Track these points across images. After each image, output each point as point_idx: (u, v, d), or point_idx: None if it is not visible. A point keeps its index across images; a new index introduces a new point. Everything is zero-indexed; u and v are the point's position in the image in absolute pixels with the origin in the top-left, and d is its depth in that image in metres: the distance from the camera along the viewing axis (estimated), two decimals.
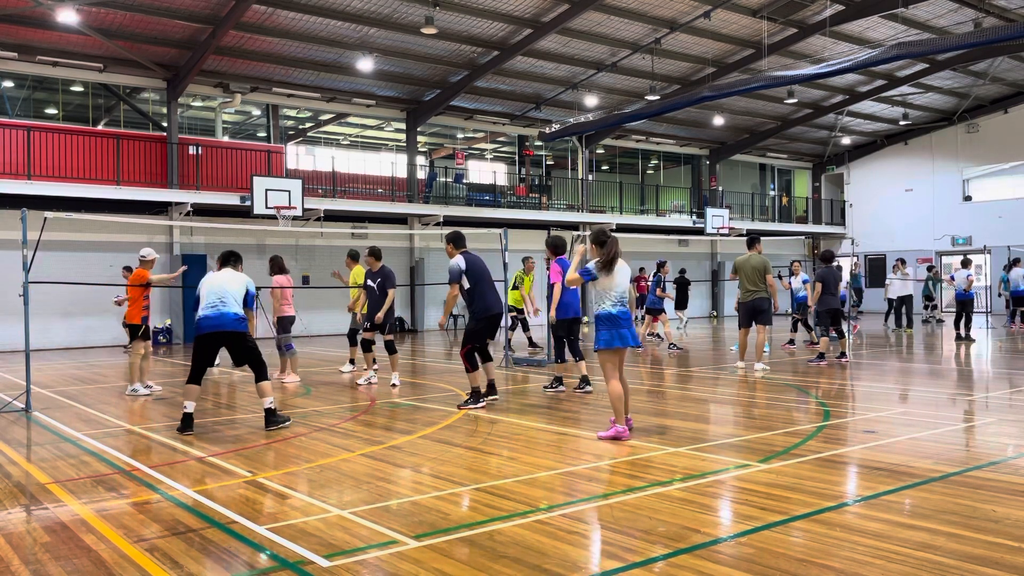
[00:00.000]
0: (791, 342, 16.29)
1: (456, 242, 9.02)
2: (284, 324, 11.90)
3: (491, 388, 8.98)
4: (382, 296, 10.63)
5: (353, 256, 12.63)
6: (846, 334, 13.18)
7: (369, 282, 10.87)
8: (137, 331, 10.47)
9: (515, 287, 15.50)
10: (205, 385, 11.10)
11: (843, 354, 12.86)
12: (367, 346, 11.03)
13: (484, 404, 8.59)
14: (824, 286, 12.73)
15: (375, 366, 12.39)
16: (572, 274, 7.27)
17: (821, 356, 12.85)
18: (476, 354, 8.78)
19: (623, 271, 7.14)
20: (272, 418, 7.67)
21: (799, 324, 16.71)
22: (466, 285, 8.68)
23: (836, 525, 4.43)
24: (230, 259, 8.23)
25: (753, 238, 12.26)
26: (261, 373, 7.78)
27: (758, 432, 7.20)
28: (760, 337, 11.90)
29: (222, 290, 7.75)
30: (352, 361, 12.78)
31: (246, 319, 7.87)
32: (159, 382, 11.38)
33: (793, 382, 10.77)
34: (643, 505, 4.89)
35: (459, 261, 8.75)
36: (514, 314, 15.52)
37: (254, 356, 7.80)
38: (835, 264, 13.35)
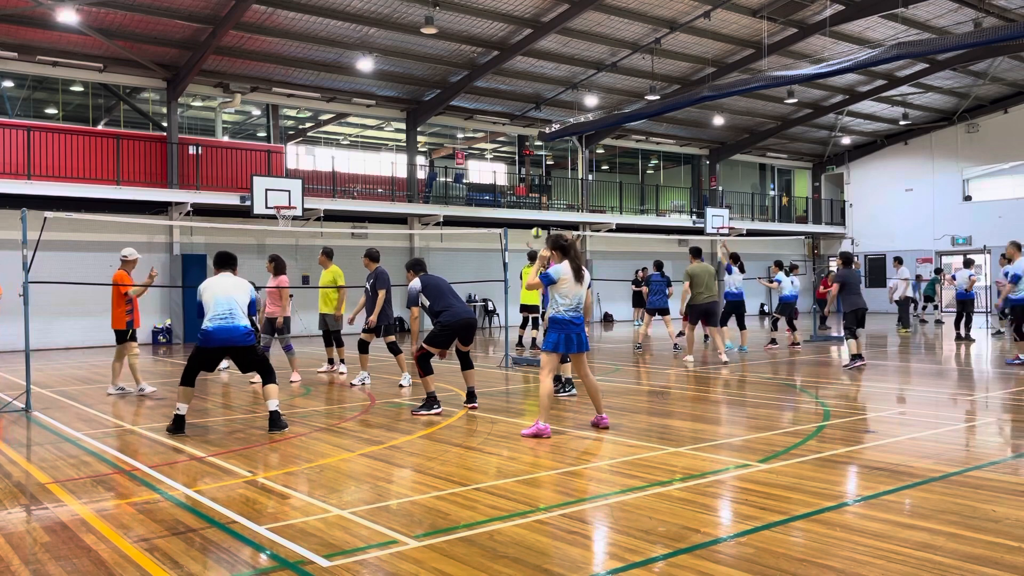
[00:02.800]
0: (773, 342, 16.28)
1: (414, 268, 8.97)
2: (287, 324, 11.73)
3: (471, 396, 8.82)
4: (374, 297, 10.59)
5: (327, 254, 12.29)
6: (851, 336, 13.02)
7: (366, 284, 10.83)
8: (124, 336, 10.27)
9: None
10: (205, 386, 11.11)
11: (859, 356, 12.60)
12: (364, 347, 10.98)
13: (439, 410, 8.41)
14: (846, 287, 12.58)
15: (342, 367, 12.29)
16: (533, 278, 7.33)
17: (858, 357, 12.32)
18: (430, 360, 8.51)
19: (585, 279, 7.31)
20: (277, 421, 7.59)
21: (777, 323, 16.77)
22: (426, 303, 8.56)
23: (836, 525, 4.43)
24: (228, 262, 8.05)
25: (698, 248, 13.98)
26: (269, 377, 7.74)
27: (758, 432, 7.20)
28: (716, 338, 13.63)
29: (231, 301, 7.59)
30: (342, 361, 12.57)
31: (253, 332, 7.80)
32: (158, 382, 11.37)
33: (793, 382, 10.77)
34: (643, 505, 4.89)
35: (415, 283, 8.66)
36: (536, 314, 15.65)
37: (262, 364, 7.78)
38: (855, 265, 13.28)
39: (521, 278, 15.52)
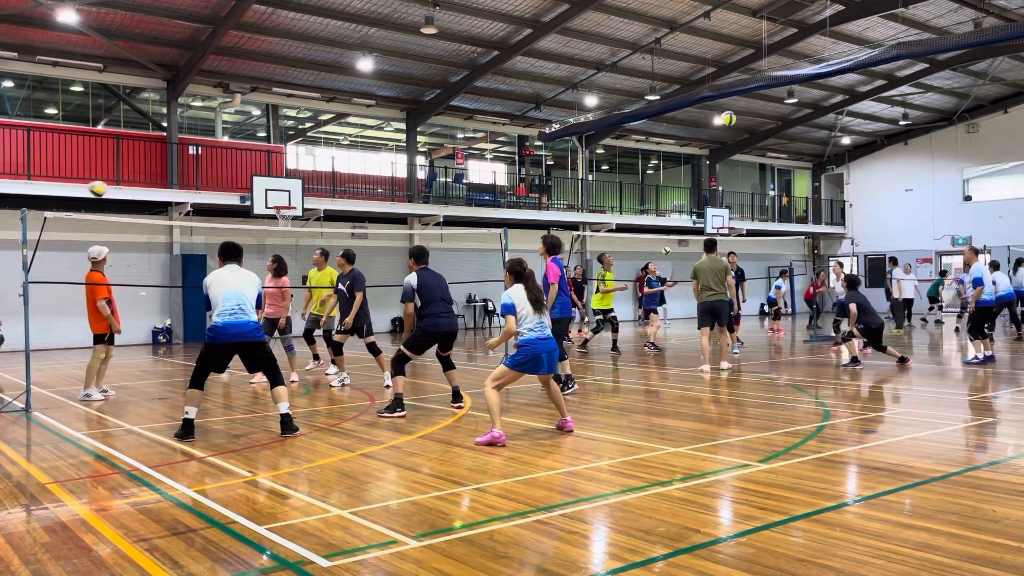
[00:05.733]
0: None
1: (418, 258, 8.86)
2: (288, 324, 11.79)
3: (456, 395, 8.85)
4: (351, 299, 10.57)
5: (325, 255, 12.36)
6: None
7: (339, 286, 10.73)
8: (102, 338, 10.02)
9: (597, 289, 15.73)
10: (206, 386, 11.07)
11: (903, 359, 12.38)
12: (338, 349, 10.92)
13: (403, 413, 8.36)
14: (861, 308, 12.30)
15: (317, 363, 12.46)
16: (509, 328, 7.12)
17: (855, 359, 12.24)
18: (404, 364, 8.56)
19: (544, 308, 7.19)
20: (289, 424, 7.39)
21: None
22: (418, 303, 8.48)
23: (836, 525, 4.43)
24: (234, 253, 7.70)
25: (712, 241, 12.61)
26: (276, 379, 7.49)
27: (758, 432, 7.20)
28: (723, 338, 12.61)
29: (240, 295, 7.36)
30: (316, 356, 12.69)
31: (262, 327, 7.64)
32: (158, 382, 11.36)
33: (793, 382, 10.77)
34: (643, 505, 4.89)
35: (411, 279, 8.56)
36: (611, 315, 15.69)
37: (270, 363, 7.52)
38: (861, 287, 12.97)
39: (603, 281, 15.61)
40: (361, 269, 11.04)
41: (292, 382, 11.35)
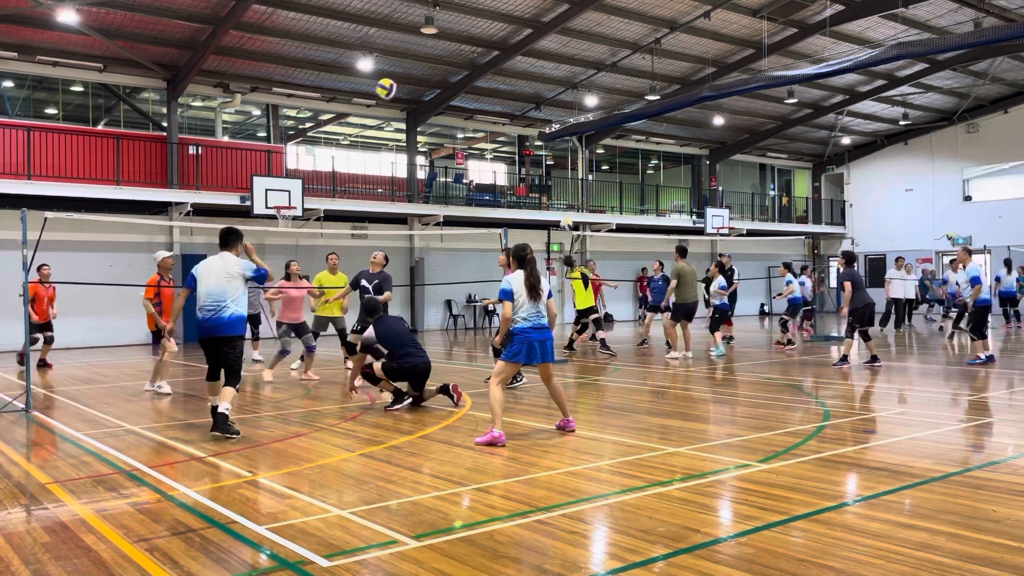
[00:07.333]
0: (789, 343, 16.03)
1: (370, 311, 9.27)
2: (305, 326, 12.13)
3: (442, 390, 8.99)
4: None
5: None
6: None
7: (364, 282, 10.77)
8: (157, 336, 10.54)
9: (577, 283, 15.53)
10: (205, 385, 11.09)
11: (875, 358, 12.32)
12: (353, 349, 10.91)
13: (409, 401, 8.85)
14: (854, 285, 12.26)
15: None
16: (505, 314, 7.07)
17: (845, 358, 12.27)
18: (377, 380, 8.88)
19: (542, 295, 7.14)
20: (223, 424, 7.22)
21: (787, 324, 16.65)
22: (384, 350, 8.77)
23: (836, 525, 4.43)
24: (226, 240, 7.66)
25: (684, 248, 14.40)
26: (232, 380, 7.46)
27: (758, 432, 7.20)
28: (687, 332, 14.11)
29: (220, 291, 7.37)
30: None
31: (243, 318, 7.53)
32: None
33: (793, 382, 10.77)
34: (643, 505, 4.89)
35: (369, 334, 8.92)
36: (595, 316, 15.47)
37: (231, 361, 7.47)
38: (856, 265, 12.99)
39: (575, 284, 15.50)
40: (359, 269, 11.11)
41: (311, 381, 11.46)
